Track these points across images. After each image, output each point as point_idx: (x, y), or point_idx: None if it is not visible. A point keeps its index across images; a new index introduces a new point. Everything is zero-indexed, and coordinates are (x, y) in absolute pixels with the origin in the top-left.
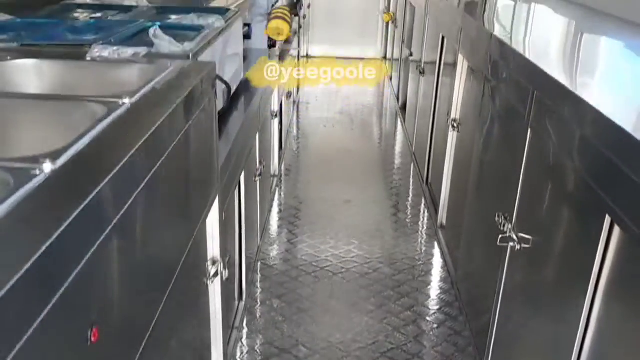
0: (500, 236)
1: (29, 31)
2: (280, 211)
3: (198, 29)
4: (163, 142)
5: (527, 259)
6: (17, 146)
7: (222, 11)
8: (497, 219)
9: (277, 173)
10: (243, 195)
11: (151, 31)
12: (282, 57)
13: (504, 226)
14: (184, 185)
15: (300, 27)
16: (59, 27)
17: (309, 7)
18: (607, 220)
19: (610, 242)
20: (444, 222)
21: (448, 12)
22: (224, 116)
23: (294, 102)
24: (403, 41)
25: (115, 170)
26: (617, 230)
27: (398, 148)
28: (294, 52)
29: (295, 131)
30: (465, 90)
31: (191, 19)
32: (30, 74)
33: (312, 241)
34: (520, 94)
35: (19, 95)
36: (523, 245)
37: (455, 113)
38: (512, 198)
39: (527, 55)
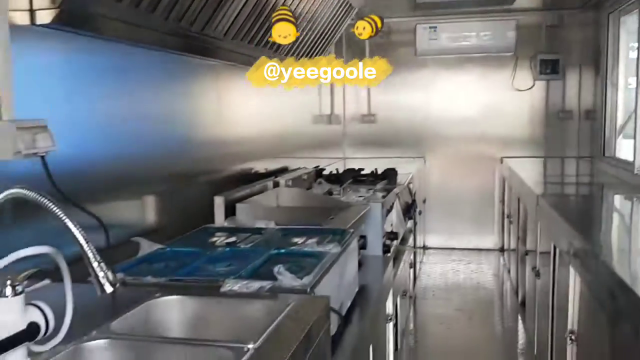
0: None
1: (175, 261)
2: None
3: (317, 256)
4: None
5: None
6: None
7: (339, 232)
8: None
9: None
10: None
11: (276, 269)
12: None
13: None
14: None
15: (415, 223)
16: (200, 258)
17: (424, 201)
18: None
19: None
20: None
21: (558, 224)
22: (337, 337)
23: (410, 297)
24: (518, 238)
25: None
26: None
27: (519, 351)
28: (409, 249)
29: (412, 329)
30: (581, 304)
31: (311, 246)
32: (175, 309)
33: None
34: None
35: (160, 340)
36: None
37: (573, 325)
38: None
39: None
